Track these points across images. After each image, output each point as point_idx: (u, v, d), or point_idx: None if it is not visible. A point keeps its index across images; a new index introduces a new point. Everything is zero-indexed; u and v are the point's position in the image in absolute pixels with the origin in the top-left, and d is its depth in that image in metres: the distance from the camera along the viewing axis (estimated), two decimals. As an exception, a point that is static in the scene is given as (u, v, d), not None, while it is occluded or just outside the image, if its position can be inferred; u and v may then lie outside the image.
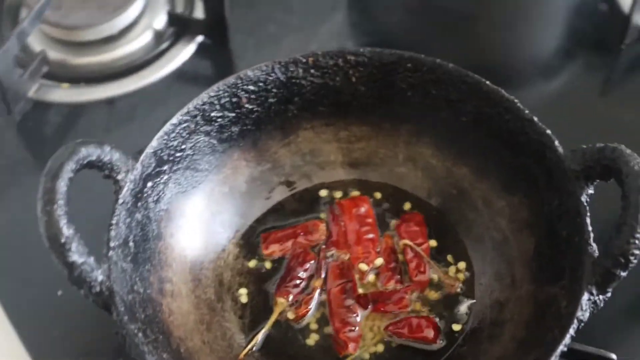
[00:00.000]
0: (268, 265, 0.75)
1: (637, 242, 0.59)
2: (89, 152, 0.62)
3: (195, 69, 1.01)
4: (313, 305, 0.72)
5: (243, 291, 0.73)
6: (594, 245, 0.63)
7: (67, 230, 0.58)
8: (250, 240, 0.76)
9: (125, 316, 0.60)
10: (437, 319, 0.71)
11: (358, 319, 0.70)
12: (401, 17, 1.06)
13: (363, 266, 0.73)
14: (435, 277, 0.73)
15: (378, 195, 0.79)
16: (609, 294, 0.62)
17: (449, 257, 0.75)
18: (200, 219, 0.73)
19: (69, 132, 0.94)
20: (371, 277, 0.73)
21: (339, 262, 0.74)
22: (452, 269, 0.74)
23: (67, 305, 0.78)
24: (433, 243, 0.75)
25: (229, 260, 0.74)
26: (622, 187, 0.61)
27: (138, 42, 1.00)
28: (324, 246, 0.75)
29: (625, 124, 0.94)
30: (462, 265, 0.74)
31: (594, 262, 0.61)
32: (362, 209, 0.76)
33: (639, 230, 0.59)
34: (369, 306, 0.71)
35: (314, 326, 0.71)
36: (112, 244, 0.63)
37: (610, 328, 0.73)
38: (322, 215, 0.78)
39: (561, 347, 0.59)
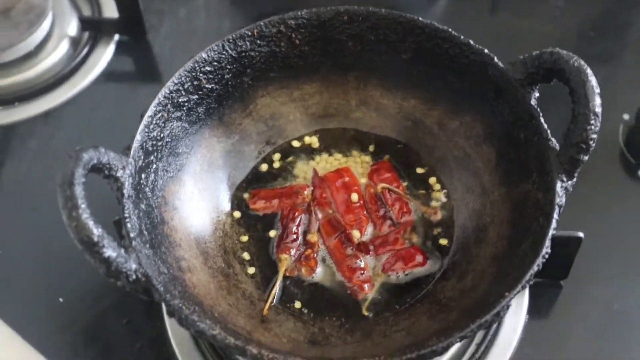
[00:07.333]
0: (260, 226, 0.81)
1: (593, 127, 0.67)
2: (90, 156, 0.66)
3: (120, 67, 1.05)
4: (319, 258, 0.78)
5: (246, 255, 0.79)
6: (554, 140, 0.71)
7: (96, 230, 0.62)
8: (239, 209, 0.82)
9: (167, 294, 0.65)
10: (421, 244, 0.79)
11: (362, 263, 0.77)
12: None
13: (356, 233, 0.79)
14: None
15: (342, 142, 0.86)
16: (575, 179, 0.71)
17: (427, 182, 0.83)
18: (192, 197, 0.78)
19: (15, 150, 0.97)
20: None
21: (327, 219, 0.80)
22: (435, 194, 0.82)
23: (69, 310, 0.83)
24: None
25: (227, 229, 0.80)
26: (567, 84, 0.69)
27: (57, 52, 1.03)
28: (313, 204, 0.81)
29: (523, 34, 1.05)
30: (433, 180, 0.83)
31: (558, 154, 0.70)
32: (346, 178, 0.82)
33: (592, 117, 0.67)
34: (371, 251, 0.78)
35: (324, 278, 0.77)
36: (132, 235, 0.67)
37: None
38: (297, 172, 0.84)
39: (551, 232, 0.67)
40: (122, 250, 0.64)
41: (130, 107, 0.99)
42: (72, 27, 1.05)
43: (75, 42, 1.04)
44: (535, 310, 0.80)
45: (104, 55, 1.04)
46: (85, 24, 1.05)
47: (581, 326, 0.80)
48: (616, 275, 0.83)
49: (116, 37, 1.05)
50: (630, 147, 0.93)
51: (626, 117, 0.94)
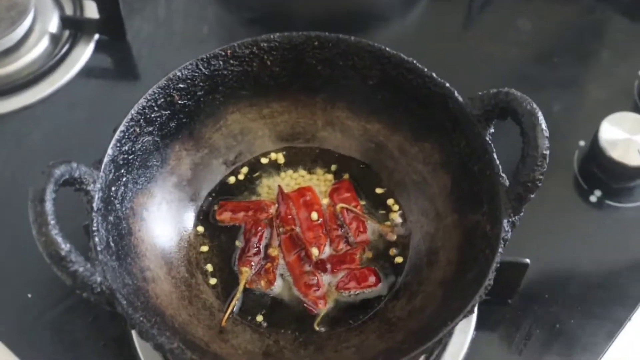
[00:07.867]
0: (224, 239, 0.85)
1: (540, 168, 0.71)
2: (62, 171, 0.69)
3: (99, 66, 1.07)
4: (278, 272, 0.82)
5: (209, 266, 0.82)
6: (504, 176, 0.75)
7: (64, 246, 0.65)
8: (204, 220, 0.86)
9: (129, 308, 0.69)
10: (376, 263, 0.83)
11: (318, 280, 0.81)
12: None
13: (315, 250, 0.83)
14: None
15: (307, 160, 0.90)
16: (522, 214, 0.75)
17: (385, 203, 0.87)
18: (159, 208, 0.82)
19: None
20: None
21: (288, 235, 0.84)
22: (392, 215, 0.86)
23: (37, 306, 0.87)
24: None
25: (191, 239, 0.83)
26: (519, 124, 0.73)
27: (37, 49, 1.06)
28: (276, 219, 0.84)
29: (491, 54, 1.08)
30: (391, 201, 0.87)
31: (507, 190, 0.74)
32: (308, 197, 0.86)
33: (540, 159, 0.71)
34: (327, 269, 0.82)
35: (283, 292, 0.81)
36: (99, 248, 0.71)
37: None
38: (262, 187, 0.88)
39: (495, 264, 0.71)
40: (88, 264, 0.68)
41: (107, 106, 1.02)
42: (54, 25, 1.07)
43: (55, 39, 1.07)
44: (483, 326, 0.85)
45: (84, 53, 1.06)
46: (66, 22, 1.08)
47: (524, 343, 0.84)
48: (561, 297, 0.87)
49: (96, 36, 1.08)
50: (583, 173, 0.97)
51: (582, 143, 0.99)
